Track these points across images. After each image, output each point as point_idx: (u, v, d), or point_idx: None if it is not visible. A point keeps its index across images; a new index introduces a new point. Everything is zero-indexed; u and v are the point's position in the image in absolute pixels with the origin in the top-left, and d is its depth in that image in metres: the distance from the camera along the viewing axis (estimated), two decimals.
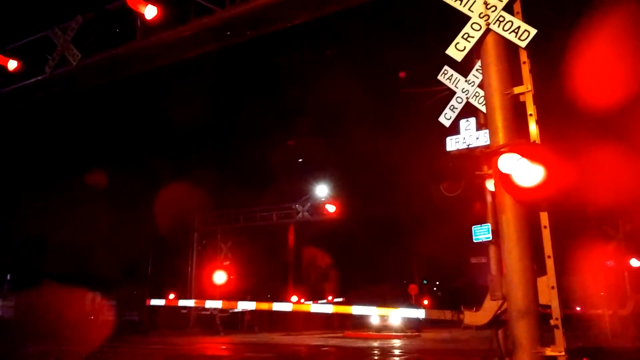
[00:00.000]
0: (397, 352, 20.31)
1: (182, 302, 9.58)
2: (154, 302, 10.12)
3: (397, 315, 7.45)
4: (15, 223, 30.39)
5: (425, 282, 50.38)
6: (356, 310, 8.07)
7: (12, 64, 11.88)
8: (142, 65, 11.21)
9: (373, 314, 7.63)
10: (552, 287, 5.57)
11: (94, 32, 10.79)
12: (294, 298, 31.64)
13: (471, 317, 6.60)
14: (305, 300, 36.23)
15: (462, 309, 6.69)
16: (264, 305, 9.24)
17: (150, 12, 9.93)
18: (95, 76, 11.51)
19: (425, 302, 51.67)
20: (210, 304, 9.52)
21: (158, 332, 31.73)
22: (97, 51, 10.83)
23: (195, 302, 9.50)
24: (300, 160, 34.75)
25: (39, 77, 11.49)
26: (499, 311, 6.20)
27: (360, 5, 9.54)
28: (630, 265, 23.78)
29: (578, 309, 34.07)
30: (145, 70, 11.37)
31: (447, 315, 6.92)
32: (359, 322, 33.94)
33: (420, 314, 7.46)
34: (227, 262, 36.24)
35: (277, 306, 9.25)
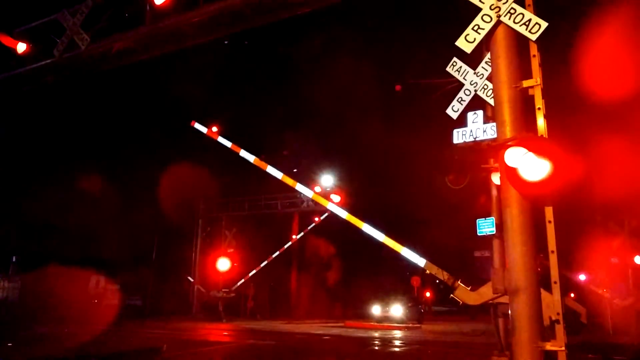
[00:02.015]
0: (397, 342, 20.42)
1: (222, 139, 9.58)
2: (198, 126, 10.14)
3: (404, 253, 7.40)
4: (21, 205, 30.55)
5: (428, 271, 50.28)
6: (366, 228, 8.05)
7: (22, 47, 11.90)
8: (151, 51, 11.19)
9: (380, 238, 7.59)
10: (555, 282, 5.57)
11: (103, 16, 10.77)
12: (317, 188, 31.26)
13: (463, 294, 6.59)
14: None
15: (459, 280, 6.68)
16: (289, 181, 9.18)
17: None
18: (104, 61, 11.51)
19: (428, 294, 51.71)
20: (244, 153, 9.49)
21: (161, 317, 31.99)
22: (106, 36, 10.82)
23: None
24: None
25: (48, 61, 11.50)
26: (491, 301, 6.21)
27: None
28: (635, 263, 23.71)
29: (572, 295, 33.91)
30: (155, 55, 11.37)
31: (445, 275, 6.92)
32: (361, 313, 34.11)
33: (421, 262, 7.41)
34: (231, 250, 36.36)
35: (300, 187, 9.25)
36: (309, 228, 34.77)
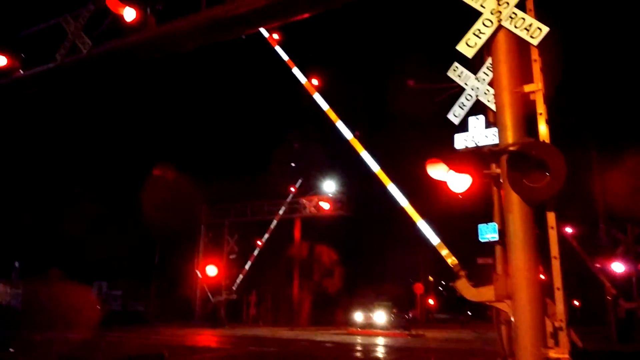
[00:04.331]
0: (400, 350, 20.32)
1: (279, 49, 10.07)
2: (262, 30, 10.59)
3: (420, 225, 7.37)
4: (25, 212, 30.60)
5: (431, 278, 50.15)
6: (391, 188, 8.01)
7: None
8: (152, 54, 11.15)
9: (405, 204, 7.60)
10: (558, 289, 5.50)
11: (105, 20, 10.76)
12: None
13: (463, 287, 6.45)
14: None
15: (465, 273, 6.55)
16: (332, 116, 9.27)
17: (129, 14, 9.90)
18: (106, 65, 11.47)
19: (431, 301, 51.54)
20: (296, 71, 9.84)
21: (163, 323, 31.94)
22: (108, 40, 10.80)
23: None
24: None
25: (50, 65, 11.47)
26: (489, 303, 6.12)
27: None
28: (639, 269, 23.54)
29: (576, 303, 33.59)
30: (156, 57, 11.34)
31: (453, 261, 6.84)
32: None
33: (434, 240, 7.33)
34: (234, 256, 36.31)
35: (340, 125, 9.25)
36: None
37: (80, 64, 11.23)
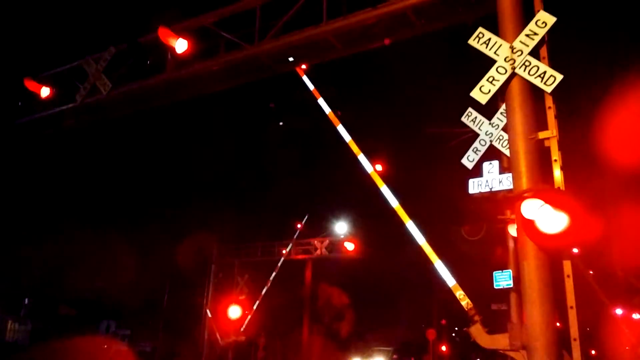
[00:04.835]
0: None
1: (306, 79, 10.12)
2: (306, 79, 10.50)
3: (437, 266, 7.17)
4: (34, 249, 30.69)
5: (442, 322, 49.11)
6: (410, 225, 7.81)
7: (45, 91, 12.16)
8: (170, 98, 11.40)
9: (422, 243, 7.37)
10: (575, 339, 5.37)
11: (125, 63, 11.03)
12: (379, 166, 30.35)
13: (477, 332, 6.27)
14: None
15: (480, 318, 6.36)
16: (354, 148, 9.08)
17: (180, 45, 10.10)
18: (124, 106, 11.72)
19: (443, 348, 50.29)
20: (321, 102, 9.75)
21: None
22: (127, 82, 11.05)
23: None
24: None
25: (70, 105, 11.73)
26: (503, 351, 5.99)
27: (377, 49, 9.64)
28: None
29: (593, 352, 32.73)
30: (173, 102, 11.57)
31: (468, 304, 6.61)
32: None
33: (451, 281, 7.11)
34: (243, 297, 35.90)
35: (362, 158, 9.07)
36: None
37: (100, 105, 11.48)
